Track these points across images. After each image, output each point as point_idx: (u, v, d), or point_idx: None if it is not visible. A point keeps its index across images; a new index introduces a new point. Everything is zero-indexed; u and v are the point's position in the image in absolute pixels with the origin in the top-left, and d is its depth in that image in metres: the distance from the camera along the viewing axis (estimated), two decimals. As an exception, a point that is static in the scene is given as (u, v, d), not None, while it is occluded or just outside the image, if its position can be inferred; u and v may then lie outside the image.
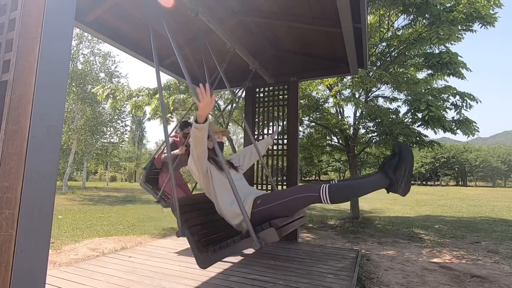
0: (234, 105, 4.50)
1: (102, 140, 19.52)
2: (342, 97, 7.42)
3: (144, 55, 3.94)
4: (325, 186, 1.86)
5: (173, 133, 3.94)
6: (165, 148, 3.45)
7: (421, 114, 5.58)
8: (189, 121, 4.03)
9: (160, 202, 3.40)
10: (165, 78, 8.39)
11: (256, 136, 4.75)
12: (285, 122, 4.68)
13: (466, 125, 5.82)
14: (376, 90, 7.35)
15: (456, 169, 55.85)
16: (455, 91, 6.13)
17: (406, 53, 6.40)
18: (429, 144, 6.72)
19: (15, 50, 1.09)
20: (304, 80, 5.63)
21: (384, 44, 6.83)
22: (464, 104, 6.01)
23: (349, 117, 23.44)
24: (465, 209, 11.46)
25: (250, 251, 3.66)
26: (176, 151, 3.47)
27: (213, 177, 2.11)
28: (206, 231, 2.11)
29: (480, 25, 5.58)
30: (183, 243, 4.07)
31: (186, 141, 3.01)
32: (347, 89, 7.15)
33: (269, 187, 4.66)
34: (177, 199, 1.95)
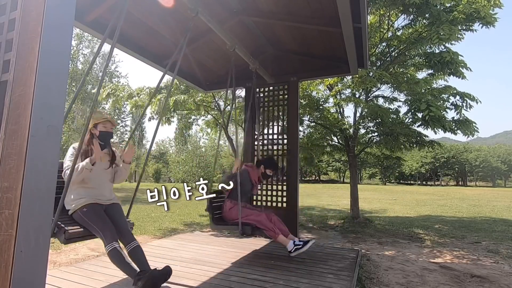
0: (234, 105, 4.50)
1: (102, 140, 19.51)
2: (343, 97, 7.41)
3: (144, 55, 3.95)
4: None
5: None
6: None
7: (421, 114, 5.57)
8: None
9: (246, 232, 3.14)
10: (165, 78, 8.40)
11: (256, 136, 4.75)
12: (285, 122, 4.68)
13: (466, 125, 5.81)
14: (376, 90, 7.34)
15: (456, 169, 55.85)
16: (455, 91, 6.13)
17: (406, 53, 6.39)
18: (429, 144, 6.72)
19: (15, 50, 1.09)
20: (304, 80, 5.64)
21: (384, 44, 6.82)
22: (464, 104, 6.01)
23: (349, 117, 23.45)
24: (465, 209, 11.46)
25: (250, 251, 3.66)
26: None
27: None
28: None
29: (480, 25, 5.58)
30: (183, 243, 4.07)
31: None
32: (348, 89, 7.15)
33: (269, 186, 4.66)
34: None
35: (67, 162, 2.20)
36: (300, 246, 3.22)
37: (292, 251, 3.21)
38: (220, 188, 2.91)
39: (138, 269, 2.15)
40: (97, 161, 2.21)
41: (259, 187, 3.79)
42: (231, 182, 2.92)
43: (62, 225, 2.06)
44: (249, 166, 3.71)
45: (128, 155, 2.55)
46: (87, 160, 2.20)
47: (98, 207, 2.28)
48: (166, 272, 2.20)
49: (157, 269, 2.18)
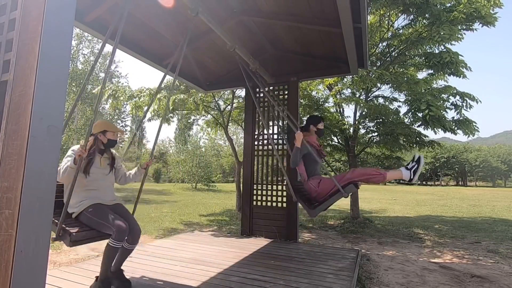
0: (234, 104, 4.49)
1: (102, 140, 19.51)
2: (343, 96, 7.41)
3: (144, 55, 3.94)
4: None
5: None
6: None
7: (421, 114, 5.57)
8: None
9: (344, 194, 2.85)
10: (165, 78, 8.38)
11: (256, 136, 4.75)
12: (285, 122, 4.68)
13: (466, 125, 5.81)
14: (376, 90, 7.34)
15: (456, 169, 55.81)
16: (455, 91, 6.13)
17: (406, 53, 6.39)
18: (429, 144, 6.72)
19: (15, 50, 1.09)
20: (304, 80, 5.63)
21: (384, 44, 6.82)
22: (464, 104, 6.00)
23: (349, 117, 23.44)
24: (465, 209, 11.46)
25: (250, 251, 3.66)
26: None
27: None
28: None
29: (481, 25, 5.58)
30: (183, 243, 4.07)
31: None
32: (348, 89, 7.15)
33: (269, 186, 4.66)
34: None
35: (62, 163, 2.22)
36: (415, 166, 2.87)
37: (412, 177, 2.85)
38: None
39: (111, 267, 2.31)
40: (76, 158, 2.15)
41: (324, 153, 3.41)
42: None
43: (67, 228, 2.05)
44: (305, 136, 3.28)
45: (145, 164, 2.68)
46: (71, 160, 2.19)
47: (103, 206, 2.31)
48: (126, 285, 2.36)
49: (124, 275, 2.39)
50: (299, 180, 3.33)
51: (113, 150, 2.59)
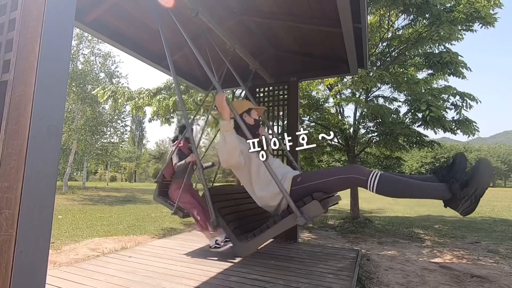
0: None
1: (102, 140, 19.52)
2: (343, 96, 7.42)
3: (144, 55, 3.94)
4: (378, 173, 1.73)
5: (174, 140, 3.85)
6: (174, 158, 3.46)
7: (421, 114, 5.57)
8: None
9: (177, 213, 3.39)
10: (166, 78, 8.39)
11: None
12: (285, 122, 4.68)
13: (466, 125, 5.81)
14: (376, 90, 7.35)
15: (456, 169, 55.79)
16: (455, 91, 6.13)
17: (406, 53, 6.39)
18: (429, 144, 6.72)
19: (15, 50, 1.09)
20: (304, 80, 5.63)
21: (384, 44, 6.83)
22: (464, 104, 6.01)
23: (349, 117, 23.43)
24: (465, 209, 11.44)
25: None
26: (188, 159, 3.48)
27: (252, 161, 2.03)
28: (240, 219, 2.09)
29: (480, 25, 5.59)
30: (184, 243, 4.07)
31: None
32: (348, 89, 7.15)
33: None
34: (208, 191, 2.01)
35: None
36: (219, 246, 3.38)
37: (211, 247, 3.43)
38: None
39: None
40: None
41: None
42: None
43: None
44: (177, 143, 3.71)
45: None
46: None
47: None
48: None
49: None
50: None
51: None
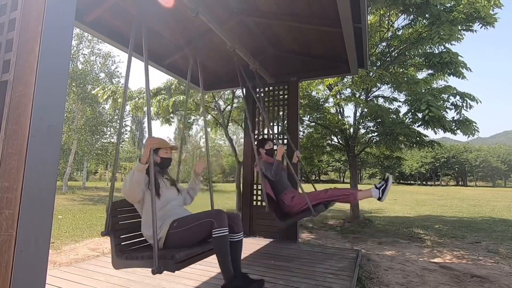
0: (234, 104, 4.49)
1: (102, 140, 19.52)
2: (343, 97, 7.42)
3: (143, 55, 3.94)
4: (221, 220, 1.96)
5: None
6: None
7: (421, 114, 5.57)
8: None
9: (321, 210, 2.96)
10: (166, 78, 8.40)
11: (256, 136, 4.74)
12: (285, 122, 4.68)
13: (466, 125, 5.82)
14: (376, 90, 7.35)
15: (456, 169, 55.80)
16: (455, 91, 6.13)
17: (406, 53, 6.39)
18: (429, 144, 6.72)
19: (15, 50, 1.09)
20: (304, 80, 5.63)
21: (384, 44, 6.83)
22: (464, 104, 6.01)
23: (349, 117, 23.45)
24: (465, 209, 11.46)
25: (250, 251, 3.66)
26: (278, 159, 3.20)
27: (145, 200, 2.08)
28: (128, 235, 2.16)
29: (480, 25, 5.58)
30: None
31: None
32: (348, 89, 7.15)
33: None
34: (111, 202, 2.08)
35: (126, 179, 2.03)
36: (384, 185, 2.90)
37: (380, 195, 2.88)
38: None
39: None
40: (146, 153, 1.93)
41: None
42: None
43: (166, 256, 1.84)
44: (264, 159, 3.42)
45: (199, 167, 2.55)
46: (136, 162, 1.99)
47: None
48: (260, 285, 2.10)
49: (249, 277, 2.11)
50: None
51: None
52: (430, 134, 7.20)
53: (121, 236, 2.09)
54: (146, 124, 2.45)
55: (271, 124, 4.83)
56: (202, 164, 2.58)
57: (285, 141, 4.63)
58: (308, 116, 7.59)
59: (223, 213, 2.03)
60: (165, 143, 2.29)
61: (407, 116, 6.36)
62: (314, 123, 7.81)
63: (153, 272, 1.71)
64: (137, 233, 2.20)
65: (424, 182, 55.94)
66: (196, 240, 2.03)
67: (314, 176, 58.36)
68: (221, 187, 22.10)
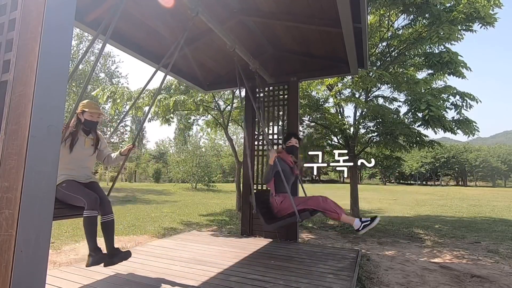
0: (234, 104, 4.49)
1: (102, 140, 19.53)
2: (343, 97, 7.42)
3: (144, 55, 3.94)
4: None
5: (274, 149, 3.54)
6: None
7: (421, 114, 5.58)
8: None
9: (305, 217, 3.03)
10: (165, 78, 8.36)
11: (256, 136, 4.74)
12: (285, 122, 4.68)
13: (466, 125, 5.82)
14: (376, 90, 7.35)
15: (456, 169, 55.78)
16: (455, 91, 6.14)
17: (406, 53, 6.40)
18: (429, 144, 6.72)
19: (15, 50, 1.09)
20: (304, 80, 5.64)
21: (384, 44, 6.83)
22: (464, 104, 6.01)
23: (349, 117, 23.42)
24: (465, 209, 11.46)
25: (250, 251, 3.66)
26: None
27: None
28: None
29: (480, 25, 5.59)
30: (183, 243, 4.07)
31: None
32: (347, 89, 7.16)
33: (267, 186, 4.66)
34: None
35: None
36: (368, 222, 2.99)
37: (360, 228, 2.98)
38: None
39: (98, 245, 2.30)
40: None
41: (297, 171, 3.49)
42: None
43: None
44: (279, 153, 3.42)
45: (126, 150, 2.72)
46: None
47: (76, 183, 2.39)
48: (126, 257, 2.39)
49: (120, 249, 2.39)
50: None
51: (99, 132, 2.68)
52: (430, 134, 7.20)
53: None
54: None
55: (271, 124, 4.84)
56: (129, 148, 2.72)
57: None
58: (308, 116, 7.59)
59: (96, 198, 2.29)
60: (92, 106, 2.54)
61: (407, 116, 6.36)
62: (314, 123, 7.81)
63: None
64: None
65: (424, 182, 55.93)
66: (70, 202, 2.31)
67: (314, 176, 58.30)
68: (221, 187, 22.11)
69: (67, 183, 2.33)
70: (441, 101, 6.15)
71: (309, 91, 7.53)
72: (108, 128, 19.43)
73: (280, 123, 4.79)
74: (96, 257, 2.24)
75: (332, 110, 7.80)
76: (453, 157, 54.62)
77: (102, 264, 2.27)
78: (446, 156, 54.07)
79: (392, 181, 57.83)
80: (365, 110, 6.77)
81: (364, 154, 8.91)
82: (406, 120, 6.48)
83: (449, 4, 5.74)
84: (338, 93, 7.35)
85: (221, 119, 8.35)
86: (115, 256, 2.33)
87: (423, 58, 6.07)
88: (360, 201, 7.74)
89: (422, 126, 5.85)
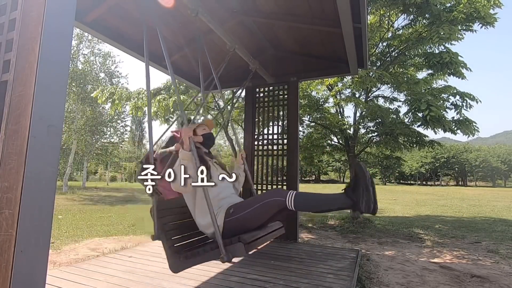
0: (234, 105, 4.49)
1: (102, 140, 19.55)
2: (343, 97, 7.42)
3: (143, 55, 3.94)
4: (292, 193, 1.87)
5: (174, 129, 3.64)
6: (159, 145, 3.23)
7: (421, 114, 5.58)
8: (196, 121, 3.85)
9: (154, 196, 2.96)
10: (165, 78, 8.39)
11: (256, 136, 4.74)
12: (285, 122, 4.68)
13: (466, 125, 5.81)
14: (376, 90, 7.35)
15: (456, 169, 55.79)
16: (455, 91, 6.13)
17: (406, 53, 6.39)
18: (429, 144, 6.72)
19: (15, 50, 1.09)
20: (304, 80, 5.63)
21: (384, 44, 6.83)
22: (464, 104, 6.01)
23: (349, 117, 23.42)
24: (465, 209, 11.46)
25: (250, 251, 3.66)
26: (171, 148, 3.11)
27: (197, 188, 1.98)
28: (181, 236, 2.09)
29: (480, 25, 5.59)
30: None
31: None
32: (348, 89, 7.16)
33: (269, 187, 4.66)
34: (156, 203, 1.95)
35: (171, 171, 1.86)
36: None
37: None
38: None
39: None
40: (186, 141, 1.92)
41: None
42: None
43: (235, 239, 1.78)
44: (176, 132, 3.19)
45: (241, 158, 2.54)
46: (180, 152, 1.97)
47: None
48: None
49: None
50: None
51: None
52: (430, 134, 7.20)
53: (173, 238, 2.01)
54: (146, 124, 2.42)
55: (271, 124, 4.84)
56: (243, 155, 2.56)
57: (285, 141, 4.62)
58: (308, 116, 7.58)
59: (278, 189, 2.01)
60: (198, 124, 2.30)
61: (407, 116, 6.36)
62: (314, 123, 7.80)
63: (222, 260, 1.68)
64: (191, 232, 2.13)
65: (424, 182, 55.94)
66: (256, 224, 1.99)
67: (314, 176, 58.35)
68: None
69: (233, 207, 1.99)
70: (441, 101, 6.15)
71: (309, 91, 7.52)
72: (108, 128, 19.43)
73: (280, 123, 4.79)
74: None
75: (332, 110, 7.80)
76: (453, 157, 54.63)
77: None
78: (446, 156, 54.08)
79: (392, 181, 57.85)
80: (365, 110, 6.77)
81: (364, 154, 8.91)
82: (406, 120, 6.48)
83: (449, 4, 5.73)
84: (338, 93, 7.35)
85: (221, 119, 8.34)
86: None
87: (423, 58, 6.06)
88: (360, 201, 7.71)
89: (422, 126, 5.84)
